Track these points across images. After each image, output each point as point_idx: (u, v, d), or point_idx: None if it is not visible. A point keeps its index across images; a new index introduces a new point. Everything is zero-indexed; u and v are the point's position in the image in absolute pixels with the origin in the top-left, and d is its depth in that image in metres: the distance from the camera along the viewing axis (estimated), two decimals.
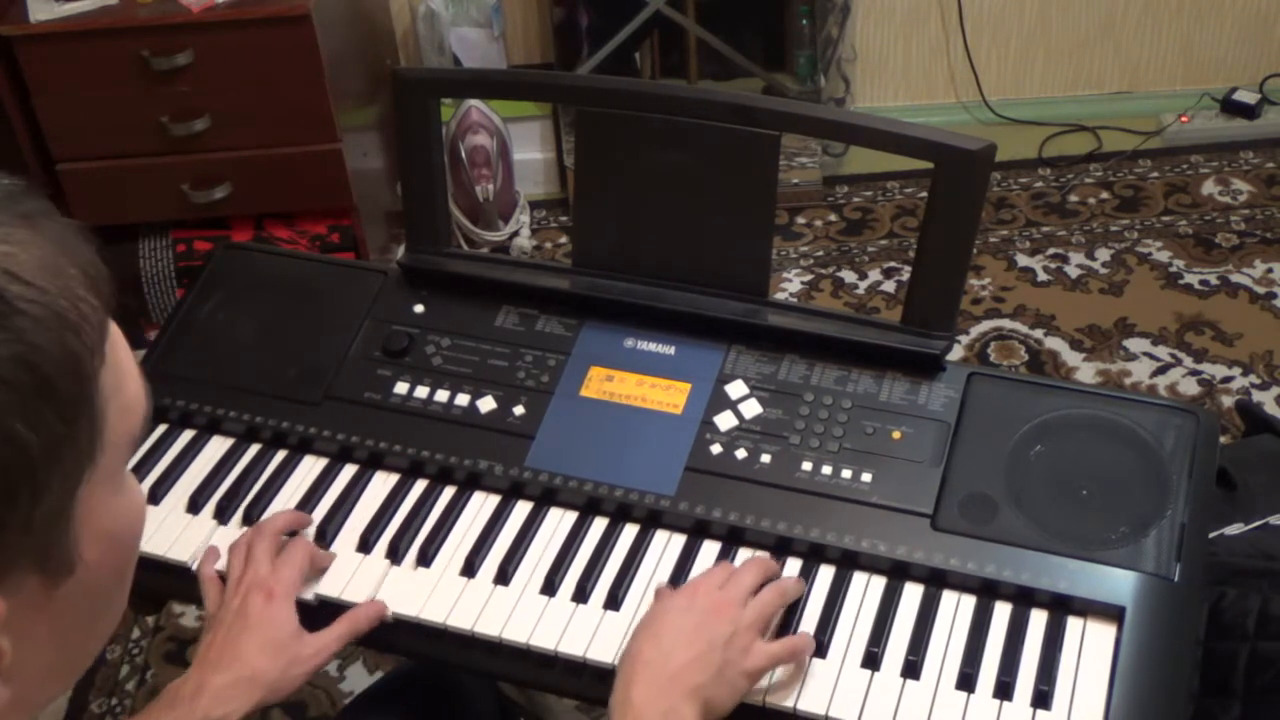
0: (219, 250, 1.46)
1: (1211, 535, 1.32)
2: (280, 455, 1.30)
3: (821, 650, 1.10)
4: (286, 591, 1.12)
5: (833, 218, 2.93)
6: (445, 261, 1.38)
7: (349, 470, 1.28)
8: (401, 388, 1.30)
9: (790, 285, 2.74)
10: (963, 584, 1.14)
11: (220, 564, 1.19)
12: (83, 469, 0.58)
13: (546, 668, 1.14)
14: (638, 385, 1.28)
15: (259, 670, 1.07)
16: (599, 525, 1.22)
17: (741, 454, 1.22)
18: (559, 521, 1.22)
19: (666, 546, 1.20)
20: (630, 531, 1.21)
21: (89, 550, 0.60)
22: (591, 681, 1.11)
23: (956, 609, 1.13)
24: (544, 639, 1.13)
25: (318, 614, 1.14)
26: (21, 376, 0.53)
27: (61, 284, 0.56)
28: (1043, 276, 2.72)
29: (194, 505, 1.26)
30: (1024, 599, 1.13)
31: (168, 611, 2.12)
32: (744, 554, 1.18)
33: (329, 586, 1.18)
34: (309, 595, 1.17)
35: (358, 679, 1.98)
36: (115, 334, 0.61)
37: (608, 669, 1.10)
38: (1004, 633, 1.11)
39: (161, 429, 1.33)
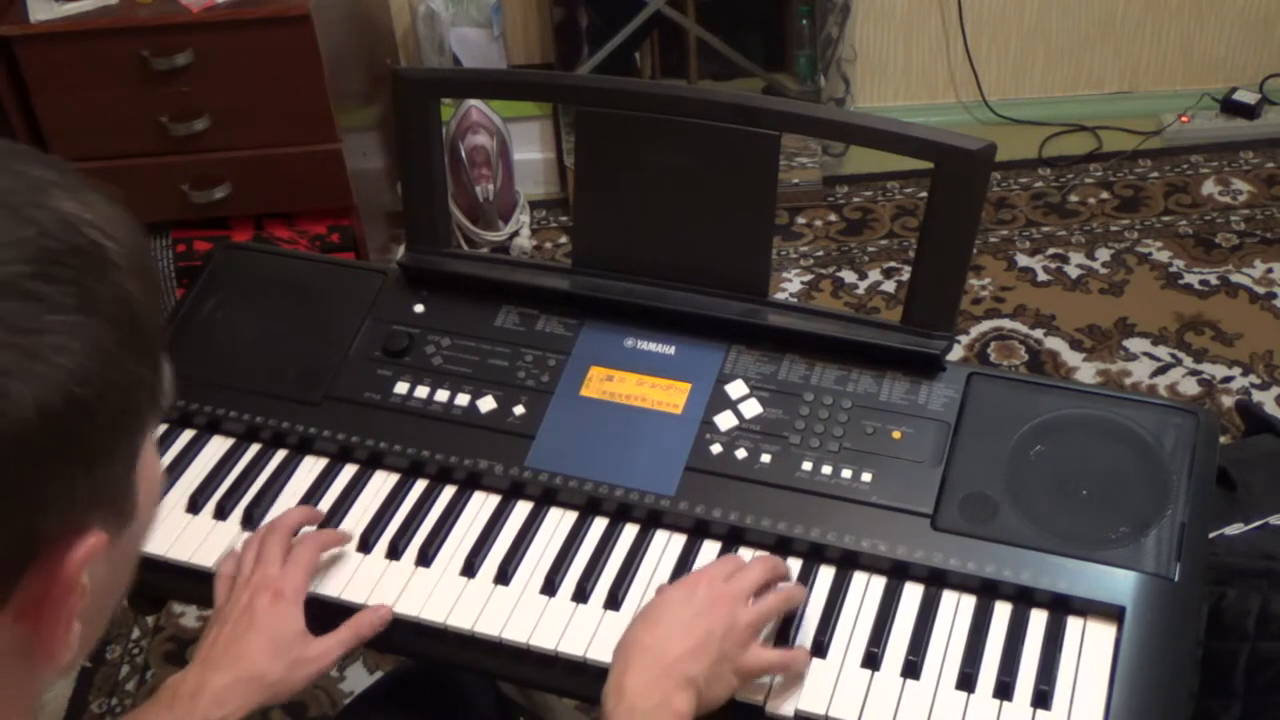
0: (219, 250, 1.46)
1: (1211, 535, 1.32)
2: (280, 455, 1.30)
3: (821, 650, 1.10)
4: (294, 593, 1.11)
5: (833, 218, 2.93)
6: (445, 261, 1.38)
7: (349, 470, 1.28)
8: (401, 388, 1.31)
9: (790, 285, 2.74)
10: (963, 584, 1.14)
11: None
12: (155, 417, 0.63)
13: (546, 668, 1.14)
14: (638, 385, 1.28)
15: (261, 671, 1.06)
16: (599, 525, 1.22)
17: (741, 454, 1.22)
18: (559, 521, 1.22)
19: (666, 546, 1.20)
20: (630, 531, 1.21)
21: (142, 499, 0.64)
22: (592, 681, 1.11)
23: (956, 609, 1.13)
24: (544, 639, 1.13)
25: (317, 615, 1.14)
26: (125, 317, 0.59)
27: (133, 238, 0.61)
28: (1043, 276, 2.72)
29: (194, 505, 1.26)
30: (1024, 599, 1.13)
31: (168, 611, 2.12)
32: (744, 554, 1.18)
33: (328, 586, 1.18)
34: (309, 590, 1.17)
35: (358, 679, 1.98)
36: None
37: (608, 669, 1.10)
38: (1004, 633, 1.11)
39: (161, 429, 1.33)
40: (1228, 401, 2.38)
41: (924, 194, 2.27)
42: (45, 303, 0.56)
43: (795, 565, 1.17)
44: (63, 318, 0.56)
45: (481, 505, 1.24)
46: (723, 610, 1.05)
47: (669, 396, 1.27)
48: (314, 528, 1.22)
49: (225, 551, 1.22)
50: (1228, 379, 2.44)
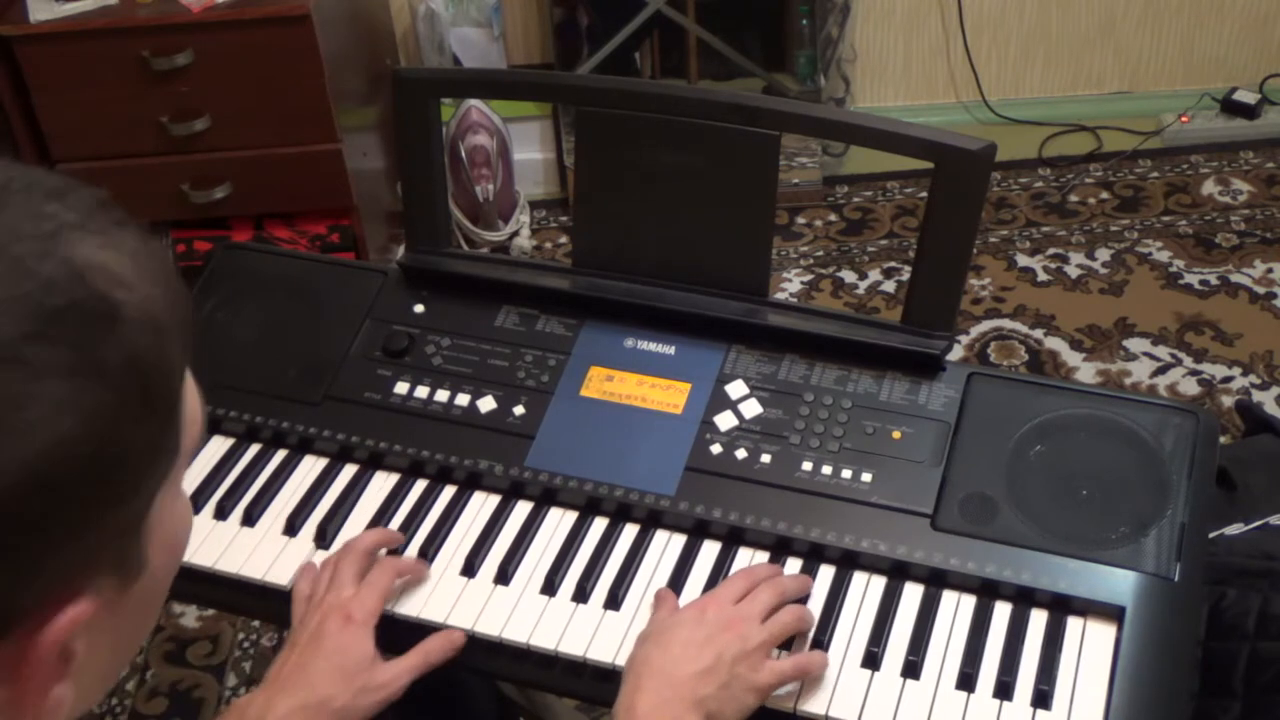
0: (219, 250, 1.46)
1: (1211, 535, 1.32)
2: (280, 455, 1.30)
3: (821, 650, 1.10)
4: (366, 617, 1.10)
5: (833, 218, 2.93)
6: (445, 261, 1.38)
7: (349, 470, 1.28)
8: (401, 388, 1.30)
9: (790, 285, 2.74)
10: (963, 584, 1.14)
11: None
12: (166, 474, 0.59)
13: (546, 668, 1.14)
14: (638, 385, 1.28)
15: (327, 697, 1.05)
16: (599, 525, 1.22)
17: (741, 454, 1.22)
18: (559, 521, 1.22)
19: (666, 546, 1.20)
20: (630, 531, 1.21)
21: (154, 554, 0.61)
22: (591, 681, 1.11)
23: (956, 609, 1.13)
24: (544, 639, 1.13)
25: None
26: (129, 382, 0.54)
27: (158, 290, 0.57)
28: (1043, 276, 2.72)
29: (194, 505, 1.26)
30: (1024, 599, 1.13)
31: (167, 611, 2.12)
32: (744, 554, 1.18)
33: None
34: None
35: None
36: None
37: (608, 669, 1.10)
38: (1004, 633, 1.11)
39: None
40: (1228, 401, 2.38)
41: (924, 194, 2.26)
42: (32, 369, 0.51)
43: (795, 565, 1.17)
44: (50, 386, 0.52)
45: (481, 505, 1.24)
46: (734, 632, 1.05)
47: (669, 396, 1.27)
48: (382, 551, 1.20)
49: (221, 551, 1.22)
50: (1228, 379, 2.44)
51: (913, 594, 1.14)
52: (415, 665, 1.10)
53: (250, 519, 1.25)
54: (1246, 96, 3.10)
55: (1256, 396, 2.40)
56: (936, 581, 1.15)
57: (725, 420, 1.24)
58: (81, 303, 0.53)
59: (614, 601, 1.15)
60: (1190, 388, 2.42)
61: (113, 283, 0.55)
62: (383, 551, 1.19)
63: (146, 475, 0.57)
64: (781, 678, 1.06)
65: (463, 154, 2.73)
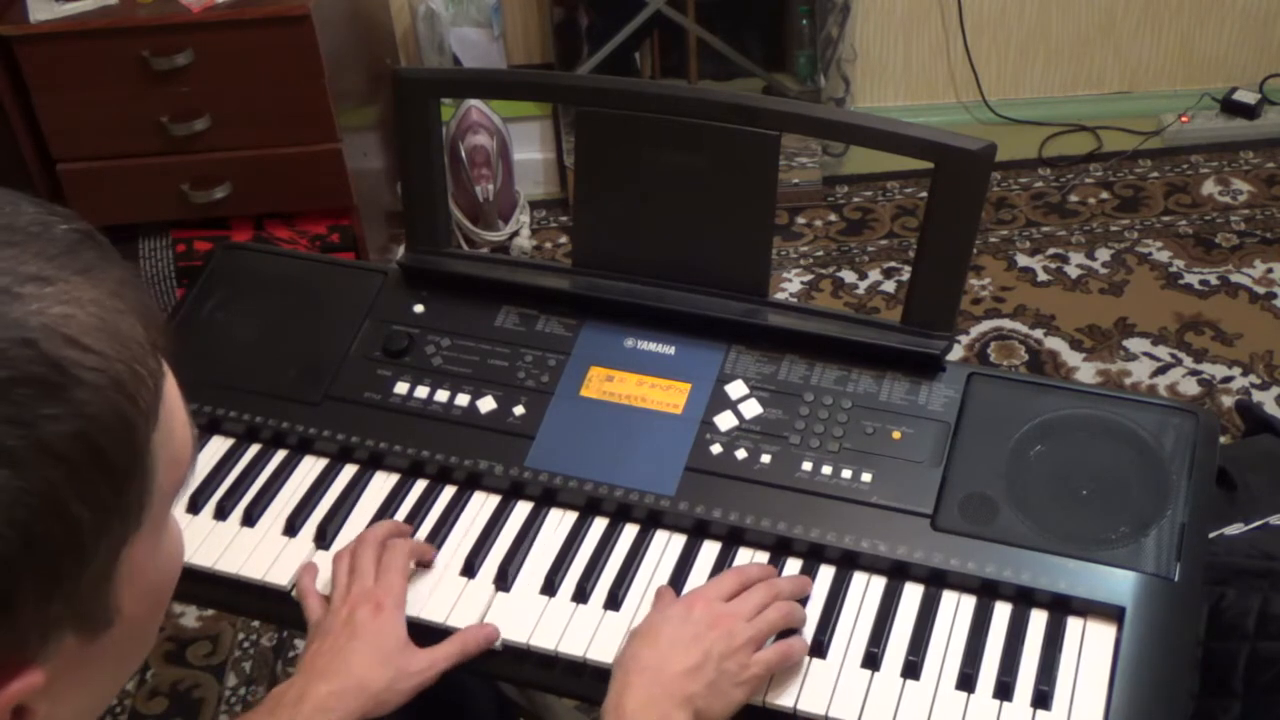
0: (219, 250, 1.46)
1: (1211, 535, 1.32)
2: (280, 455, 1.30)
3: (821, 650, 1.10)
4: (395, 603, 1.11)
5: (833, 218, 2.93)
6: (445, 261, 1.38)
7: (349, 470, 1.28)
8: (401, 388, 1.30)
9: (790, 285, 2.74)
10: (963, 584, 1.14)
11: (319, 582, 1.18)
12: (129, 532, 0.56)
13: (546, 668, 1.14)
14: (638, 385, 1.28)
15: (365, 680, 1.05)
16: (599, 525, 1.22)
17: (741, 454, 1.22)
18: (559, 522, 1.22)
19: (666, 547, 1.20)
20: (630, 531, 1.21)
21: (128, 603, 0.58)
22: (591, 682, 1.11)
23: (956, 609, 1.13)
24: (544, 639, 1.13)
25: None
26: (77, 452, 0.51)
27: (120, 345, 0.54)
28: (1043, 276, 2.72)
29: (194, 505, 1.26)
30: (1024, 599, 1.13)
31: (167, 612, 2.12)
32: (744, 554, 1.18)
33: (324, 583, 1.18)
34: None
35: None
36: (168, 380, 0.59)
37: (608, 669, 1.10)
38: (1004, 633, 1.11)
39: None
40: (1228, 401, 2.38)
41: (924, 194, 2.26)
42: None
43: (795, 565, 1.17)
44: None
45: (481, 505, 1.24)
46: (721, 629, 1.05)
47: (669, 396, 1.27)
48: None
49: (221, 551, 1.22)
50: (1228, 379, 2.44)
51: (913, 594, 1.14)
52: (451, 654, 1.11)
53: (250, 519, 1.25)
54: (1246, 96, 3.10)
55: (1256, 396, 2.40)
56: (936, 582, 1.15)
57: (725, 420, 1.24)
58: (26, 374, 0.50)
59: (614, 602, 1.15)
60: (1190, 388, 2.42)
61: (66, 344, 0.51)
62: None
63: (103, 537, 0.54)
64: (768, 668, 1.06)
65: (463, 154, 2.73)
